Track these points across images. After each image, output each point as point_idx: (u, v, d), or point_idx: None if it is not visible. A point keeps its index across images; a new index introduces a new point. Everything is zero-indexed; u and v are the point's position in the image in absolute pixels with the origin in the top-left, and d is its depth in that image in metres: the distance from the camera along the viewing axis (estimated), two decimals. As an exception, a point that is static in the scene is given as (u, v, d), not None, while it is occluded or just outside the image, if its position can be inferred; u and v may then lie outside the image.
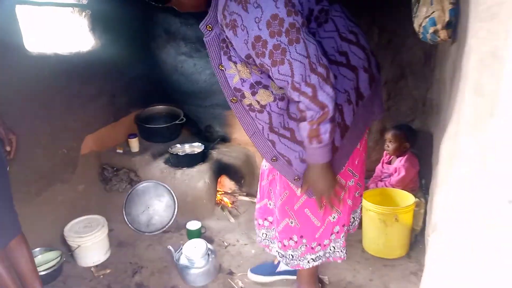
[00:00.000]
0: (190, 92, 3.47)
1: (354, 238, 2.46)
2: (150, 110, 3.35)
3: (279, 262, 2.27)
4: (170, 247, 2.36)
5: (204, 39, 1.49)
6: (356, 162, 1.74)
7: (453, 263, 0.79)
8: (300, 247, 1.89)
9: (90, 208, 2.66)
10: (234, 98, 1.59)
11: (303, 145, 1.57)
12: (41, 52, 2.43)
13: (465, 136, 0.77)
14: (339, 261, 1.96)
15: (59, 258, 2.30)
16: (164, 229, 2.70)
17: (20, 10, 2.32)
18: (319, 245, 1.89)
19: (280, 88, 1.46)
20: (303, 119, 1.46)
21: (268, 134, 1.61)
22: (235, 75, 1.50)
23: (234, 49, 1.43)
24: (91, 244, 2.37)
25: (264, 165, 2.00)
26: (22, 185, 2.30)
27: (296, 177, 1.68)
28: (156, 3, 1.40)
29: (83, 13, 2.81)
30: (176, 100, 3.51)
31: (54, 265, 2.24)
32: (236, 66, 1.48)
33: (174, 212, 2.75)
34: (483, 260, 0.68)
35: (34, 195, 2.43)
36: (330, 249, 1.93)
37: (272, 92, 1.52)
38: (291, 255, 1.92)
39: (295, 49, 1.32)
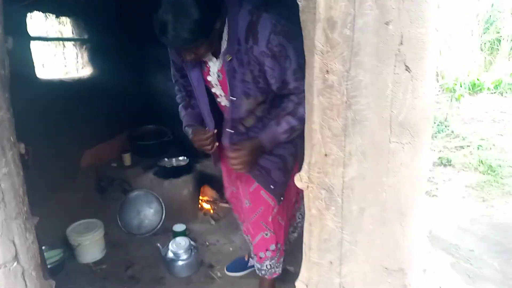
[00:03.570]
0: (177, 113, 3.85)
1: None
2: (141, 129, 3.72)
3: (248, 258, 2.52)
4: (159, 245, 2.72)
5: (224, 67, 1.62)
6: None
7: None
8: (277, 254, 2.03)
9: (88, 213, 3.00)
10: (231, 124, 1.75)
11: (279, 157, 1.79)
12: (48, 78, 2.85)
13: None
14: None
15: (61, 255, 2.65)
16: (153, 231, 3.06)
17: (33, 45, 2.76)
18: (285, 243, 2.08)
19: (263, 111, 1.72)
20: (293, 115, 1.63)
21: None
22: (243, 106, 1.68)
23: (255, 82, 1.60)
24: (90, 243, 2.72)
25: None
26: (31, 192, 2.67)
27: (272, 186, 1.83)
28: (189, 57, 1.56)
29: (84, 46, 3.24)
30: (164, 120, 3.86)
31: (57, 261, 2.60)
32: (248, 99, 1.66)
33: (162, 216, 3.11)
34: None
35: (41, 200, 2.80)
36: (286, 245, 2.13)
37: (256, 115, 1.74)
38: (269, 265, 2.05)
39: None
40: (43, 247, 2.73)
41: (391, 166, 0.92)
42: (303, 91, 1.47)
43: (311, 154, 0.97)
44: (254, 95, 1.65)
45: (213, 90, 1.81)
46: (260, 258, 2.04)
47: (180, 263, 2.55)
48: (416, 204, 0.99)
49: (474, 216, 3.48)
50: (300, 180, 1.01)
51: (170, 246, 2.60)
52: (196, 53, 1.55)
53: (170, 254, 2.58)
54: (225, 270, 2.57)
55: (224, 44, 1.61)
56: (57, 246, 2.69)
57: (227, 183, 2.22)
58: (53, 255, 2.63)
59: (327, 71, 0.89)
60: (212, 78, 1.75)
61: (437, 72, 7.75)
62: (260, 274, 2.13)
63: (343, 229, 0.98)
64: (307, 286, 1.07)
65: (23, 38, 2.59)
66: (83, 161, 3.21)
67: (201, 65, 1.76)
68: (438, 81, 7.44)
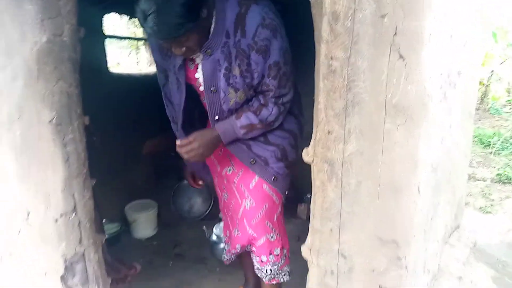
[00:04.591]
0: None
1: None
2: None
3: None
4: (204, 228, 2.95)
5: (202, 61, 1.55)
6: None
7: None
8: (281, 260, 1.88)
9: (145, 194, 3.30)
10: (218, 117, 1.65)
11: (275, 145, 1.73)
12: (119, 73, 3.19)
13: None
14: None
15: (118, 228, 2.96)
16: (202, 217, 3.30)
17: (108, 42, 3.11)
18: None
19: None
20: (255, 113, 1.60)
21: (244, 140, 1.69)
22: (232, 98, 1.60)
23: (243, 76, 1.54)
24: (144, 220, 3.02)
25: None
26: (98, 173, 3.01)
27: (274, 177, 1.74)
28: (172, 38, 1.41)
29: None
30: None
31: (114, 233, 2.90)
32: (237, 93, 1.58)
33: (210, 204, 3.35)
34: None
35: (105, 180, 3.13)
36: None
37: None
38: (269, 270, 1.88)
39: (292, 80, 1.60)
40: (103, 220, 3.07)
41: (385, 144, 1.04)
42: (273, 91, 1.56)
43: (316, 131, 1.11)
44: (242, 88, 1.58)
45: (201, 88, 1.67)
46: (262, 261, 1.88)
47: (222, 245, 2.74)
48: (411, 182, 1.10)
49: (529, 236, 3.35)
50: (307, 154, 1.15)
51: (214, 230, 2.80)
52: (185, 45, 1.45)
53: (214, 237, 2.78)
54: None
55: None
56: (116, 221, 3.01)
57: (219, 189, 2.03)
58: (111, 228, 2.94)
59: (331, 57, 1.03)
60: (200, 75, 1.64)
61: (508, 88, 7.40)
62: (258, 275, 1.96)
63: (342, 199, 1.11)
64: (310, 250, 1.20)
65: (99, 36, 2.94)
66: (145, 149, 3.53)
67: (188, 64, 1.66)
68: (508, 96, 7.10)
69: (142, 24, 1.35)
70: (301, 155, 1.21)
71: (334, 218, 1.13)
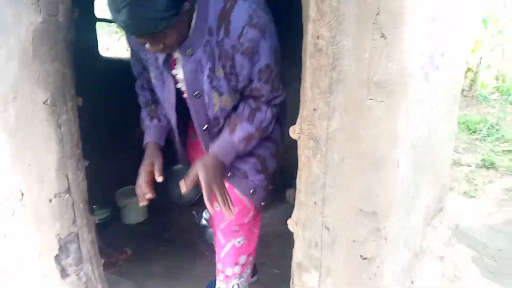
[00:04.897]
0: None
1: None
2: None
3: None
4: (194, 213, 3.00)
5: (181, 63, 1.41)
6: None
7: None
8: (247, 269, 1.79)
9: (136, 180, 3.34)
10: (207, 126, 1.54)
11: (256, 157, 1.61)
12: (109, 57, 3.21)
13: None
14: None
15: (108, 214, 3.00)
16: (192, 202, 3.35)
17: (98, 25, 3.12)
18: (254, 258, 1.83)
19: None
20: (249, 121, 1.48)
21: None
22: (216, 104, 1.47)
23: (227, 79, 1.41)
24: (134, 206, 3.05)
25: None
26: (88, 158, 3.04)
27: (252, 190, 1.63)
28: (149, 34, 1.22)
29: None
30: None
31: (104, 218, 2.94)
32: (221, 97, 1.45)
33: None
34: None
35: (94, 165, 3.17)
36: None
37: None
38: (237, 284, 1.78)
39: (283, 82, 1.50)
40: (94, 206, 3.10)
41: (367, 121, 1.09)
42: (265, 96, 1.44)
43: (303, 108, 1.16)
44: (228, 92, 1.46)
45: (178, 85, 1.55)
46: (227, 276, 1.76)
47: (211, 230, 2.80)
48: (392, 157, 1.15)
49: (510, 218, 3.46)
50: (293, 131, 1.20)
51: (204, 214, 2.86)
52: (163, 42, 1.27)
53: (204, 222, 2.83)
54: None
55: (190, 33, 1.36)
56: (105, 206, 3.04)
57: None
58: (102, 213, 2.98)
59: (318, 36, 1.08)
60: (178, 72, 1.50)
61: (497, 76, 7.53)
62: None
63: (326, 174, 1.16)
64: (296, 224, 1.26)
65: (90, 18, 2.94)
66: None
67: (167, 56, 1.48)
68: (497, 83, 7.23)
69: (114, 16, 1.16)
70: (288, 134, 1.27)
71: (319, 192, 1.19)
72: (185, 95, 1.56)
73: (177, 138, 1.74)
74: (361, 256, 1.21)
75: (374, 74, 1.06)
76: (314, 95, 1.12)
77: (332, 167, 1.15)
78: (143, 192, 1.65)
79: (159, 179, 1.63)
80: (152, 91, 1.72)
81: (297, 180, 1.24)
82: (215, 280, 2.03)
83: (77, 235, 1.65)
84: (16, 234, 1.75)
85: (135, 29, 1.19)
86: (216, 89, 1.43)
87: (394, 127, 1.13)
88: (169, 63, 1.49)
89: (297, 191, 1.25)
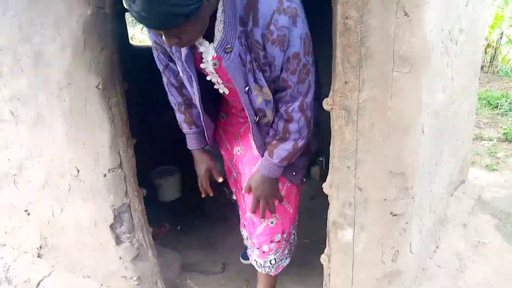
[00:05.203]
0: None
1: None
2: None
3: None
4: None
5: (223, 63, 1.33)
6: None
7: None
8: (282, 245, 1.79)
9: (170, 161, 3.50)
10: (256, 117, 1.52)
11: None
12: (138, 45, 3.35)
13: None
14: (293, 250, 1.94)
15: (145, 193, 3.17)
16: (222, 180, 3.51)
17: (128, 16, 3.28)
18: (287, 233, 1.82)
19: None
20: (285, 140, 1.48)
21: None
22: (259, 96, 1.42)
23: (262, 70, 1.36)
24: (169, 184, 3.25)
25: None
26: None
27: (294, 173, 1.68)
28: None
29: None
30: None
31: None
32: (262, 89, 1.40)
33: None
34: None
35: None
36: (292, 238, 1.89)
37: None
38: (274, 259, 1.80)
39: (313, 73, 1.40)
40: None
41: (394, 91, 1.22)
42: (291, 88, 1.37)
43: (334, 82, 1.29)
44: (266, 84, 1.40)
45: (208, 78, 1.54)
46: (263, 252, 1.78)
47: (242, 204, 2.97)
48: (416, 123, 1.29)
49: (533, 191, 3.52)
50: (326, 103, 1.33)
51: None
52: (180, 36, 1.19)
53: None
54: (240, 258, 2.48)
55: (219, 27, 1.29)
56: (142, 186, 3.22)
57: (228, 168, 2.01)
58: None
59: (346, 17, 1.20)
60: (207, 65, 1.44)
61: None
62: (263, 272, 1.86)
63: (357, 140, 1.30)
64: (331, 186, 1.41)
65: (120, 9, 3.09)
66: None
67: (191, 49, 1.42)
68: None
69: (128, 5, 1.08)
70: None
71: (351, 157, 1.32)
72: (216, 87, 1.57)
73: (206, 123, 1.71)
74: (391, 213, 1.35)
75: (399, 49, 1.18)
76: (345, 70, 1.25)
77: (363, 134, 1.28)
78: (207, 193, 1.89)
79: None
80: (179, 89, 1.72)
81: (331, 148, 1.38)
82: (246, 249, 2.24)
83: (129, 205, 1.83)
84: (73, 208, 1.94)
85: (149, 22, 1.11)
86: (256, 82, 1.38)
87: (418, 96, 1.25)
88: (193, 57, 1.43)
89: (330, 157, 1.38)
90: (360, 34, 1.19)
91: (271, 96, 1.43)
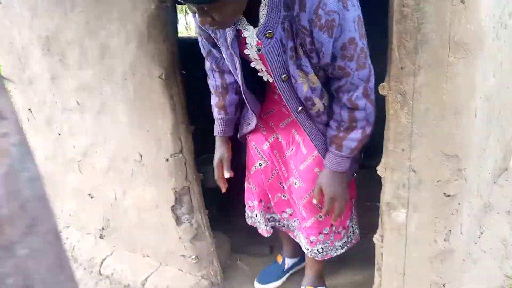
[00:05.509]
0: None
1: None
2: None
3: (284, 259, 2.25)
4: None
5: (263, 49, 1.31)
6: None
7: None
8: (331, 237, 1.76)
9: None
10: (301, 108, 1.47)
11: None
12: (186, 36, 3.48)
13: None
14: (354, 241, 1.87)
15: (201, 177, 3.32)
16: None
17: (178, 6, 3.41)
18: (344, 228, 1.79)
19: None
20: (352, 129, 1.43)
21: (322, 130, 1.56)
22: (304, 83, 1.37)
23: (308, 57, 1.31)
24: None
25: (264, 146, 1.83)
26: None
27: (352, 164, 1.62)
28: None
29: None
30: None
31: (190, 183, 3.27)
32: (307, 76, 1.35)
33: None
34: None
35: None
36: (350, 231, 1.84)
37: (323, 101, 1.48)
38: (321, 248, 1.78)
39: (369, 56, 1.35)
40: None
41: (449, 75, 1.28)
42: (350, 75, 1.32)
43: (390, 68, 1.36)
44: (313, 71, 1.35)
45: (252, 64, 1.49)
46: (311, 242, 1.76)
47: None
48: (470, 107, 1.34)
49: None
50: (382, 88, 1.41)
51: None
52: (214, 16, 1.16)
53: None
54: (256, 283, 2.24)
55: (264, 11, 1.25)
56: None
57: (253, 155, 1.92)
58: (187, 179, 3.31)
59: (403, 5, 1.26)
60: (250, 51, 1.41)
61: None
62: (309, 255, 1.83)
63: (412, 124, 1.37)
64: (385, 169, 1.48)
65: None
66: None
67: (237, 34, 1.38)
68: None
69: None
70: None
71: (406, 139, 1.39)
72: (260, 74, 1.55)
73: (250, 101, 1.66)
74: (444, 193, 1.42)
75: (454, 35, 1.24)
76: (401, 56, 1.31)
77: (418, 117, 1.35)
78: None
79: (227, 175, 1.82)
80: (221, 73, 1.73)
81: (385, 131, 1.45)
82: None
83: (188, 188, 1.96)
84: (135, 191, 2.09)
85: None
86: (300, 69, 1.34)
87: (472, 81, 1.31)
88: (238, 41, 1.40)
89: (385, 140, 1.45)
90: (417, 21, 1.26)
91: (318, 83, 1.39)
